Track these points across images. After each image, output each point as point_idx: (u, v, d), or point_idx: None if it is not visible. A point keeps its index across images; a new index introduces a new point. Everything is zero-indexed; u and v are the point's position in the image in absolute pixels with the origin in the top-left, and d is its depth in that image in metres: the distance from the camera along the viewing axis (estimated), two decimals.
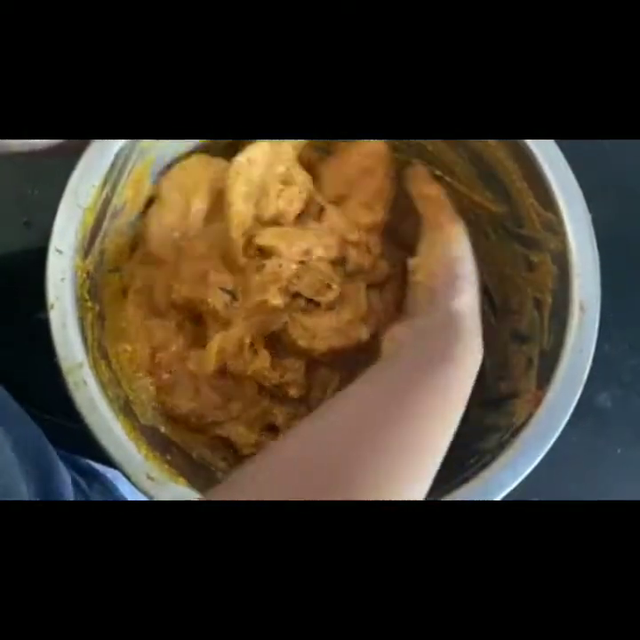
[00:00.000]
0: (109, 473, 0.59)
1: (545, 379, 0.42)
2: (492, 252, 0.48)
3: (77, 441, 0.39)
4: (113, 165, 0.42)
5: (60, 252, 0.40)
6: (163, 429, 0.44)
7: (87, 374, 0.39)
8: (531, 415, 0.41)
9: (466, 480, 0.40)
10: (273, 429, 0.47)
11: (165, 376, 0.46)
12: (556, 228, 0.43)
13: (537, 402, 0.41)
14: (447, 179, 0.49)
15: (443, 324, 0.39)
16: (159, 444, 0.42)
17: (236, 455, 0.46)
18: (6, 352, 0.49)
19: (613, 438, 0.56)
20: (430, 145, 0.49)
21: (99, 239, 0.43)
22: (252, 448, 0.46)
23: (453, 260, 0.42)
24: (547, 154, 0.43)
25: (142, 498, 0.39)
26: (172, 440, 0.44)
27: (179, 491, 0.38)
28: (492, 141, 0.44)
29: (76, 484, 0.52)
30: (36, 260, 0.40)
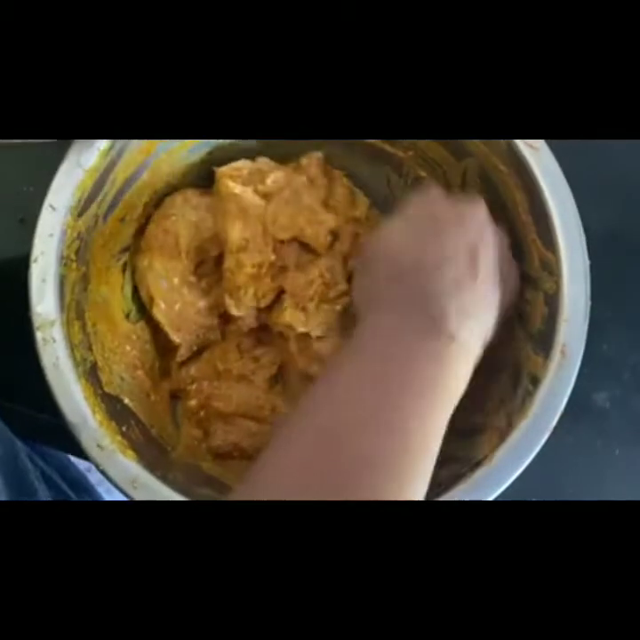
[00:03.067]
0: (102, 486, 0.59)
1: (515, 418, 0.41)
2: None
3: (66, 438, 0.39)
4: None
5: (53, 208, 0.41)
6: (126, 401, 0.44)
7: (57, 332, 0.39)
8: (492, 452, 0.40)
9: None
10: None
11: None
12: (553, 269, 0.42)
13: (501, 438, 0.40)
14: None
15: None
16: (118, 414, 0.42)
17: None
18: None
19: (612, 438, 0.54)
20: (445, 165, 0.48)
21: (96, 202, 0.43)
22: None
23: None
24: (555, 189, 0.42)
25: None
26: (133, 412, 0.44)
27: (124, 463, 0.38)
28: (504, 168, 0.44)
29: (64, 495, 0.52)
30: (30, 257, 0.40)
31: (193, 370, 0.48)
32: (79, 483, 0.56)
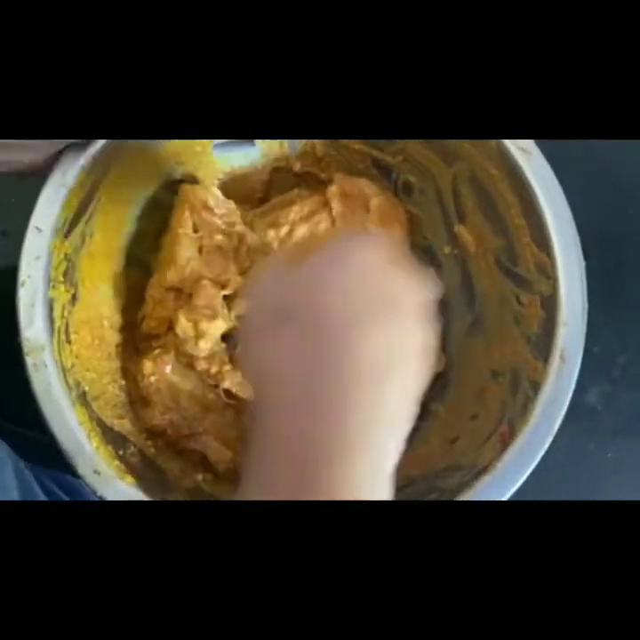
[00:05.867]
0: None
1: (516, 423, 0.40)
2: (486, 283, 0.47)
3: (53, 456, 0.38)
4: (103, 148, 0.41)
5: (38, 230, 0.40)
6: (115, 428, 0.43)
7: (48, 357, 0.38)
8: (495, 459, 0.39)
9: None
10: None
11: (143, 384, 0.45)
12: (548, 272, 0.41)
13: (503, 445, 0.40)
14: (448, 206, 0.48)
15: None
16: (114, 438, 0.41)
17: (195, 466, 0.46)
18: None
19: (603, 437, 0.55)
20: (435, 170, 0.47)
21: (82, 222, 0.42)
22: (228, 464, 0.46)
23: None
24: (548, 192, 0.41)
25: None
26: (127, 437, 0.43)
27: (122, 489, 0.37)
28: (495, 172, 0.43)
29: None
30: (13, 270, 0.39)
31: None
32: (78, 492, 0.54)
